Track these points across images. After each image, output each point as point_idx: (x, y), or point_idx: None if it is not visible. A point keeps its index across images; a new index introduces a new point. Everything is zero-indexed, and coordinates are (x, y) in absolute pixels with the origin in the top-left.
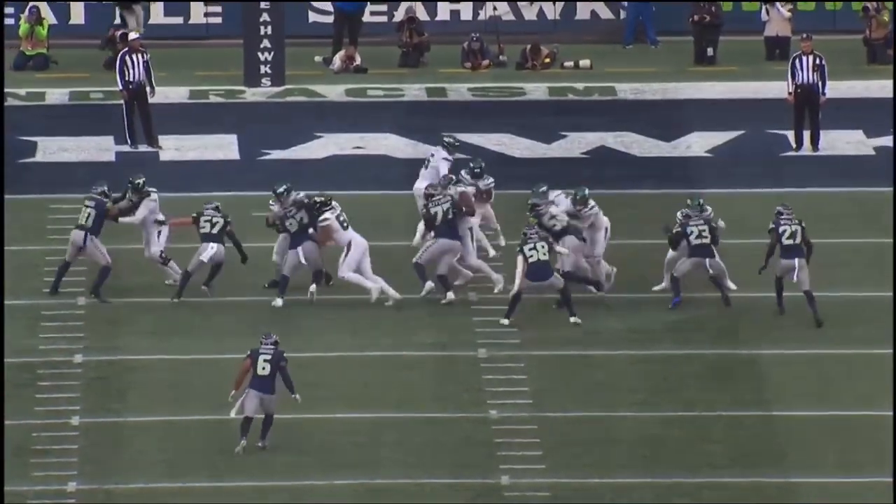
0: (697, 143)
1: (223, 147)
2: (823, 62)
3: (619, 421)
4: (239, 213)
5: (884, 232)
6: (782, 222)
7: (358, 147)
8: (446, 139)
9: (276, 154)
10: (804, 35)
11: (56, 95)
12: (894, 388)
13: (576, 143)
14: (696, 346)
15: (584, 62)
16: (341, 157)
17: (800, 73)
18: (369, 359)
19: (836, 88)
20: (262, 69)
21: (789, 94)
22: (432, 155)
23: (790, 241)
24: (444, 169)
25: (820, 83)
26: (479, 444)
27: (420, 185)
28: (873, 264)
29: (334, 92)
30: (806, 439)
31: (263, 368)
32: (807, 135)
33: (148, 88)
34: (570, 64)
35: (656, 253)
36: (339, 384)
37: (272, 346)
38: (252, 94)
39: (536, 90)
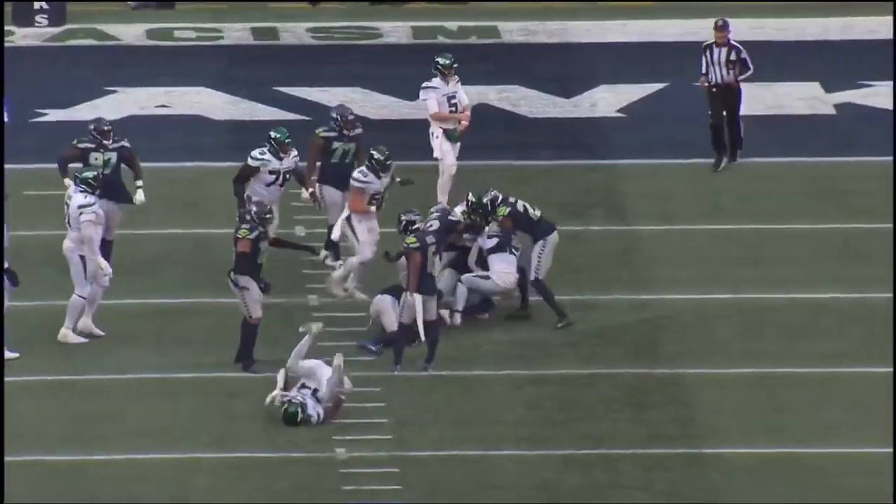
0: (605, 101)
1: None
2: (743, 55)
3: (502, 462)
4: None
5: (845, 215)
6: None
7: (163, 105)
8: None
9: (56, 114)
10: (718, 22)
11: None
12: (894, 415)
13: None
14: (604, 363)
15: None
16: (141, 117)
17: (712, 68)
18: (171, 382)
19: (785, 30)
20: (36, 4)
21: (702, 85)
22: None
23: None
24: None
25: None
26: (321, 493)
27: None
28: (835, 255)
29: (131, 33)
30: (748, 484)
31: None
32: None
33: None
34: None
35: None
36: (129, 415)
37: None
38: (23, 37)
39: (396, 31)
